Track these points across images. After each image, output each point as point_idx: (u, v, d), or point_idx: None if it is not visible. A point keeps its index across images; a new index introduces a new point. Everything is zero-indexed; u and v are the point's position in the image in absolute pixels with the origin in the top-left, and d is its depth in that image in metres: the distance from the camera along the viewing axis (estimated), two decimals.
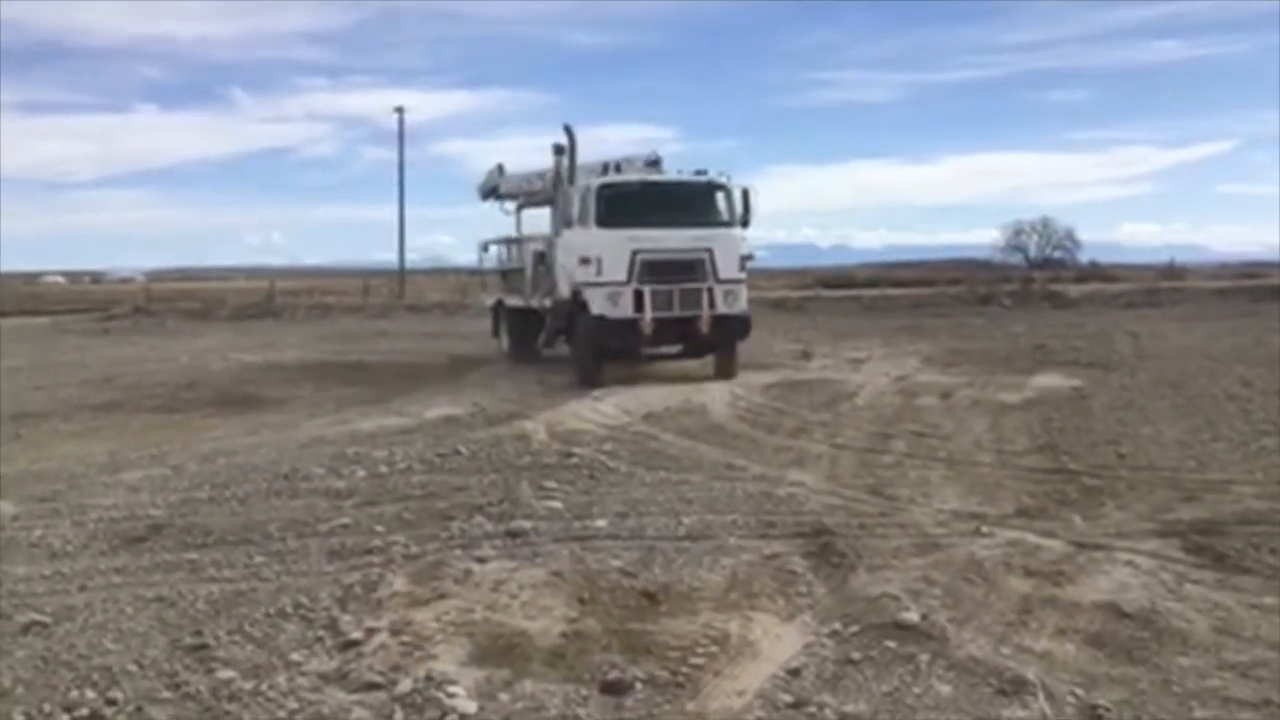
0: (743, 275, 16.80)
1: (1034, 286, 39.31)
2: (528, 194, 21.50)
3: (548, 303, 18.57)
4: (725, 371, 16.57)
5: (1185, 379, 14.95)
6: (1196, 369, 16.10)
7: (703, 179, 17.27)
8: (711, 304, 16.14)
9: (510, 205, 22.33)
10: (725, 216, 16.90)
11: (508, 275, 21.54)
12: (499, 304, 21.91)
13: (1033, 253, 69.08)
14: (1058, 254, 68.26)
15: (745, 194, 16.94)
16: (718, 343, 16.56)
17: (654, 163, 18.35)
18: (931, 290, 39.40)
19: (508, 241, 22.12)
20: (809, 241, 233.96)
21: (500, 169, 22.56)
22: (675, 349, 16.96)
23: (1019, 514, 7.87)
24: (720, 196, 17.03)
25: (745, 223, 17.00)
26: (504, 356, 20.74)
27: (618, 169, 18.19)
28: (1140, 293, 36.68)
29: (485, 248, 23.29)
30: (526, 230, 21.55)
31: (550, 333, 18.69)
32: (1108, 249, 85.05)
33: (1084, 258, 66.23)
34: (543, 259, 19.13)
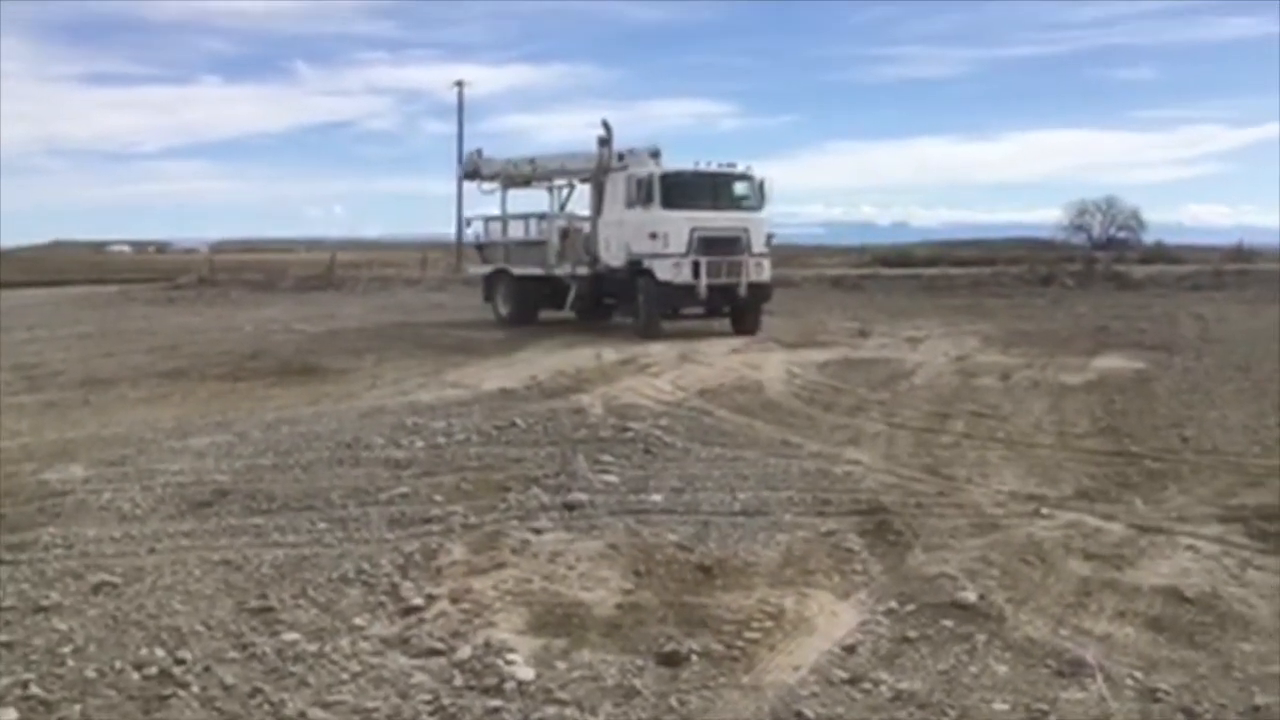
0: (768, 250, 20.50)
1: (1097, 267, 38.69)
2: (509, 176, 23.81)
3: (581, 270, 21.38)
4: (749, 329, 19.81)
5: (1252, 363, 14.67)
6: (1263, 353, 15.78)
7: (739, 170, 20.71)
8: (747, 273, 19.70)
9: (488, 186, 24.32)
10: (754, 201, 20.62)
11: (517, 247, 23.35)
12: (497, 273, 23.69)
13: (1096, 233, 68.14)
14: (1122, 234, 67.23)
15: (762, 183, 20.66)
16: (750, 305, 20.08)
17: (655, 154, 20.67)
18: (992, 270, 38.84)
19: (518, 217, 23.83)
20: (868, 219, 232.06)
21: (479, 153, 24.85)
22: (700, 309, 20.08)
23: (1079, 496, 7.79)
24: (751, 185, 20.64)
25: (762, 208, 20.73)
26: (500, 321, 22.68)
27: (620, 159, 20.73)
28: (1206, 275, 35.92)
29: (468, 223, 25.71)
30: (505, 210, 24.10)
31: (579, 296, 21.48)
32: (1173, 230, 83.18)
33: (1149, 238, 65.13)
34: (567, 234, 22.07)
